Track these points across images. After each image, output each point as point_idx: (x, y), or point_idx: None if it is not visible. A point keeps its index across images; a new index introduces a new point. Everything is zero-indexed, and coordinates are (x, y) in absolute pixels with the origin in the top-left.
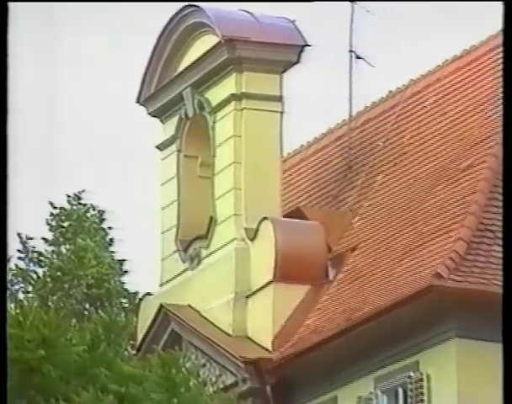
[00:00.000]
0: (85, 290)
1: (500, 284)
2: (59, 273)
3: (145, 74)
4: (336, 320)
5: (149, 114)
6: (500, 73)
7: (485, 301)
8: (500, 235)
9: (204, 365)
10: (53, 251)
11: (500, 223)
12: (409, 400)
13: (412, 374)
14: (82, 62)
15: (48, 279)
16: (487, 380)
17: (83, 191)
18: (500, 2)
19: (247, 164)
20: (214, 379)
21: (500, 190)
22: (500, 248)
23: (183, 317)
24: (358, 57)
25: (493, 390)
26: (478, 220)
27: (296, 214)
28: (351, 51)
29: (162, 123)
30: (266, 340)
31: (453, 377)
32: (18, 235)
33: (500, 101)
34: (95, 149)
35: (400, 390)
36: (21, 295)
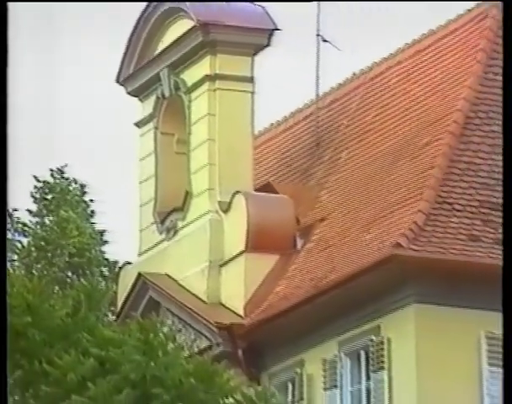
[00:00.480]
0: (67, 259)
1: (457, 252)
2: (43, 243)
3: (124, 56)
4: (304, 287)
5: (128, 93)
6: (458, 55)
7: (443, 269)
8: (458, 207)
9: (180, 330)
10: (37, 222)
11: (457, 196)
12: (371, 362)
13: (373, 337)
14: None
15: (32, 249)
16: (444, 343)
17: (66, 166)
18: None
19: (220, 141)
20: (189, 343)
21: (457, 164)
22: (457, 219)
23: (160, 285)
24: (324, 41)
25: (450, 351)
26: (436, 194)
27: (266, 188)
28: (318, 35)
29: (141, 102)
30: (238, 306)
31: (412, 340)
32: None
33: (457, 80)
34: (78, 126)
35: (362, 353)
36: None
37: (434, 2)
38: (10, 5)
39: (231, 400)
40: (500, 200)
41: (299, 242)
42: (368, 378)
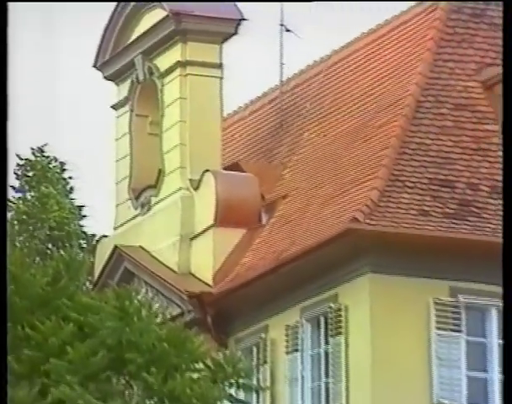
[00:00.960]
0: (48, 232)
1: (408, 226)
2: (24, 217)
3: (101, 43)
4: (267, 259)
5: (105, 77)
6: (410, 44)
7: (395, 242)
8: (409, 184)
9: (153, 299)
10: (19, 197)
11: (408, 174)
12: (329, 327)
13: (332, 304)
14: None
15: (15, 222)
16: (396, 309)
17: (46, 144)
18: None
19: (191, 123)
20: (162, 310)
21: (409, 144)
22: (408, 195)
23: (135, 257)
24: (287, 30)
25: (401, 316)
26: (390, 172)
27: (234, 167)
28: (281, 25)
29: (117, 86)
30: (207, 276)
31: (366, 307)
32: None
33: (412, 67)
34: (58, 109)
35: (322, 319)
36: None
37: None
38: (10, 5)
39: (201, 364)
40: (449, 177)
41: (263, 218)
42: (327, 342)
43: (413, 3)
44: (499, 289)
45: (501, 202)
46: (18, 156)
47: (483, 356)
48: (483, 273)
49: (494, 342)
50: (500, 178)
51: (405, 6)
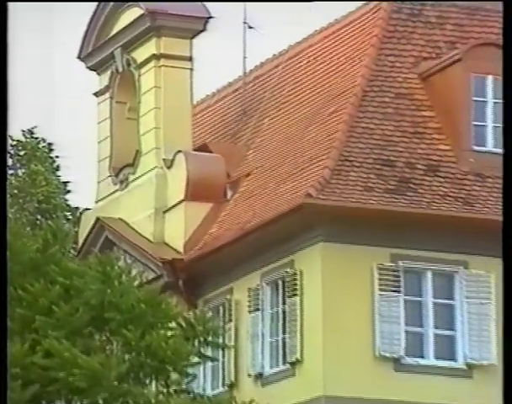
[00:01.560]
0: (36, 205)
1: (355, 200)
2: (16, 191)
3: (84, 36)
4: (232, 230)
5: (87, 67)
6: (357, 40)
7: (344, 214)
8: (356, 163)
9: (131, 265)
10: (11, 174)
11: (356, 154)
12: (286, 289)
13: (288, 270)
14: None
15: (7, 196)
16: (344, 273)
17: (35, 127)
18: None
19: (165, 109)
20: (139, 275)
21: (356, 129)
22: (355, 174)
23: (114, 227)
24: (250, 27)
25: (349, 280)
26: (339, 153)
27: (202, 148)
28: (245, 23)
29: (98, 75)
30: (179, 245)
31: (319, 272)
32: None
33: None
34: (48, 95)
35: (280, 282)
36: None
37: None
38: (10, 5)
39: (174, 323)
40: (390, 157)
41: (229, 193)
42: (284, 302)
43: (360, 4)
44: (434, 254)
45: (436, 178)
46: (10, 137)
47: (419, 313)
48: (420, 241)
49: (429, 300)
50: (435, 157)
51: (353, 6)
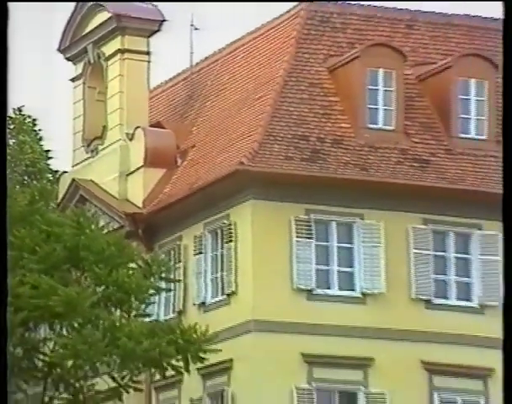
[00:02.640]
0: (24, 168)
1: (278, 167)
2: (8, 157)
3: (63, 33)
4: (182, 189)
5: (65, 58)
6: (280, 40)
7: (269, 178)
8: (279, 138)
9: (100, 216)
10: None
11: (278, 131)
12: (224, 236)
13: (225, 221)
14: None
15: None
16: (269, 223)
17: (23, 106)
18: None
19: (127, 93)
20: (106, 225)
21: (278, 111)
22: (278, 146)
23: (87, 187)
24: (196, 29)
25: (273, 229)
26: (265, 130)
27: (157, 125)
28: (192, 25)
29: (74, 65)
30: (139, 201)
31: (249, 223)
32: None
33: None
34: (34, 79)
35: (219, 231)
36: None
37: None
38: (10, 5)
39: (134, 264)
40: (305, 133)
41: (179, 161)
42: (222, 247)
43: (282, 12)
44: (338, 209)
45: (339, 149)
46: None
47: (326, 255)
48: (327, 199)
49: (334, 245)
50: (339, 133)
51: (277, 13)
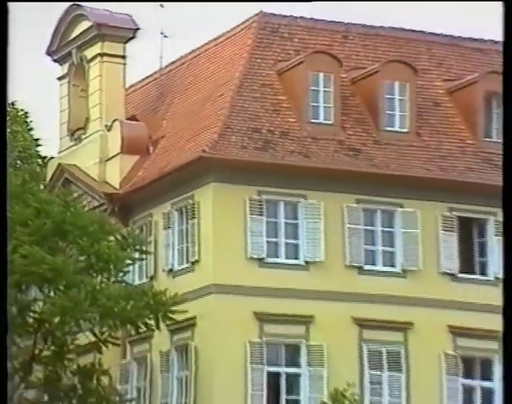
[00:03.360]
0: (17, 154)
1: (234, 155)
2: None
3: (51, 38)
4: (153, 173)
5: (53, 60)
6: (237, 46)
7: (227, 164)
8: (235, 130)
9: (82, 196)
10: None
11: (235, 124)
12: (188, 214)
13: (190, 200)
14: None
15: None
16: (227, 203)
17: (16, 101)
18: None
19: (106, 91)
20: (87, 203)
21: (235, 107)
22: (235, 137)
23: (71, 170)
24: (165, 36)
25: (229, 207)
26: (224, 123)
27: (132, 118)
28: (161, 33)
29: (60, 65)
30: (116, 183)
31: (210, 202)
32: None
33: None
34: (25, 78)
35: (183, 209)
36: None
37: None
38: (10, 5)
39: (112, 238)
40: (258, 126)
41: (150, 149)
42: (187, 223)
43: (239, 21)
44: (284, 191)
45: (286, 140)
46: None
47: (275, 229)
48: (276, 182)
49: (281, 221)
50: (286, 126)
51: (236, 23)
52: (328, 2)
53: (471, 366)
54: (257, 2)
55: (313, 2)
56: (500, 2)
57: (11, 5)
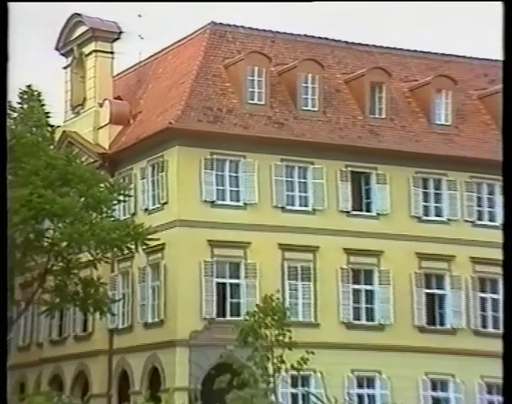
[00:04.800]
0: (33, 123)
1: (193, 127)
2: (22, 117)
3: (58, 38)
4: (133, 139)
5: (60, 54)
6: (192, 50)
7: (187, 133)
8: (193, 108)
9: (80, 154)
10: (21, 107)
11: (193, 104)
12: (158, 168)
13: (160, 159)
14: None
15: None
16: (188, 161)
17: (32, 84)
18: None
19: (99, 77)
20: (84, 160)
21: (194, 93)
22: (193, 113)
23: (73, 136)
24: (142, 38)
25: (191, 165)
26: (186, 103)
27: (118, 98)
28: (140, 36)
29: (65, 58)
30: (106, 146)
31: (175, 159)
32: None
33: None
34: (39, 67)
35: (155, 165)
36: None
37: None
38: (10, 5)
39: (103, 185)
40: (210, 106)
41: (131, 121)
42: (158, 175)
43: (197, 27)
44: (230, 152)
45: (231, 116)
46: (20, 89)
47: (222, 180)
48: (223, 146)
49: (227, 174)
50: (231, 105)
51: (191, 30)
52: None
53: (359, 276)
54: (255, 2)
55: (248, 15)
56: (500, 2)
57: (11, 5)
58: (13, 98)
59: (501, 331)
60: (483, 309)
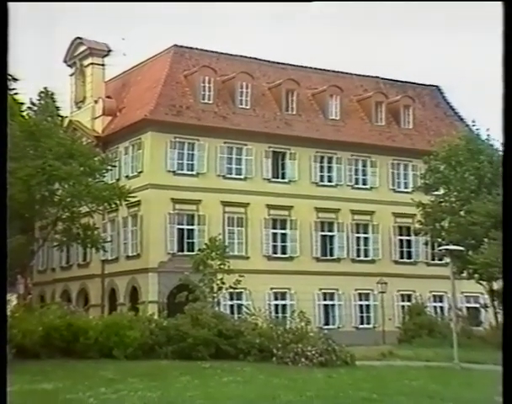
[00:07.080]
0: (47, 115)
1: (162, 118)
2: (36, 109)
3: (66, 53)
4: (119, 126)
5: (67, 65)
6: (160, 65)
7: (158, 122)
8: (164, 106)
9: (81, 137)
10: (38, 99)
11: (163, 102)
12: (137, 148)
13: (138, 140)
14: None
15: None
16: (158, 143)
17: (47, 86)
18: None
19: (94, 82)
20: (85, 141)
21: (163, 94)
22: (162, 108)
23: (77, 124)
24: (124, 54)
25: (159, 146)
26: (157, 102)
27: (108, 97)
28: (123, 54)
29: (70, 68)
30: (100, 131)
31: (149, 142)
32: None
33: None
34: (53, 73)
35: (135, 145)
36: None
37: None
38: (10, 5)
39: (97, 158)
40: (174, 103)
41: (118, 114)
42: (137, 152)
43: (165, 47)
44: (186, 136)
45: (190, 111)
46: (45, 88)
47: (182, 156)
48: (183, 132)
49: (185, 153)
50: (188, 104)
51: (162, 48)
52: (321, 2)
53: (276, 224)
54: (254, 2)
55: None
56: (500, 2)
57: (11, 5)
58: (34, 96)
59: (370, 258)
60: (358, 244)
